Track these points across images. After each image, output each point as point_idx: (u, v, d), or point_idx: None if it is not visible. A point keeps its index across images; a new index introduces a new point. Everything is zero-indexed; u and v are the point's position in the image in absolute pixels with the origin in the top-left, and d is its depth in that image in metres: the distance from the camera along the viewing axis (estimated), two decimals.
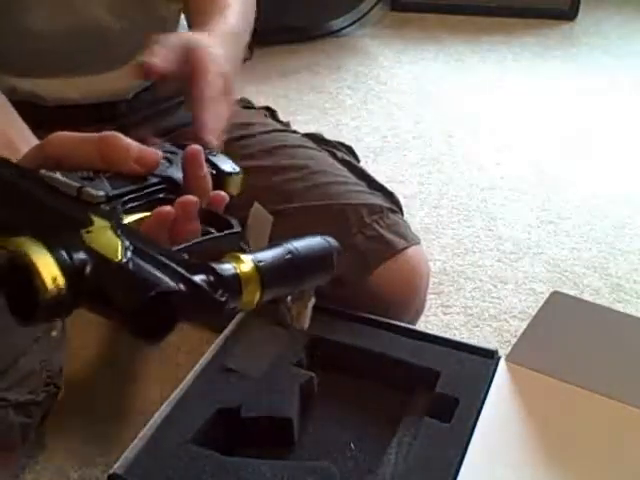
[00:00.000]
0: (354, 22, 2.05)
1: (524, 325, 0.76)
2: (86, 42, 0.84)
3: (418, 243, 0.87)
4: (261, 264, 0.47)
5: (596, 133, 1.57)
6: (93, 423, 0.86)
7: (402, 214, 0.90)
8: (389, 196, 0.91)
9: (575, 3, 2.14)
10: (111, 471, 0.63)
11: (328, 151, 0.95)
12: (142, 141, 0.53)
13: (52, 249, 0.39)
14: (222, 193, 0.56)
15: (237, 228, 0.54)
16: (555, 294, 0.72)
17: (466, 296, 1.09)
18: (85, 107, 0.87)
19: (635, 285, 1.11)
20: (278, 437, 0.69)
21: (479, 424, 0.68)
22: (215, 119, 0.63)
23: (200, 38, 0.68)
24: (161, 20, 0.89)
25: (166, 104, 0.96)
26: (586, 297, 1.07)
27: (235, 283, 0.45)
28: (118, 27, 0.85)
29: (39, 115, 0.84)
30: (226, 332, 0.77)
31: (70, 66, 0.85)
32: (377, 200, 0.87)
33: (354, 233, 0.82)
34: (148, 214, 0.48)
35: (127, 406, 0.90)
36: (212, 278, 0.44)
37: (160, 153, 0.52)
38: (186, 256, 0.47)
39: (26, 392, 0.67)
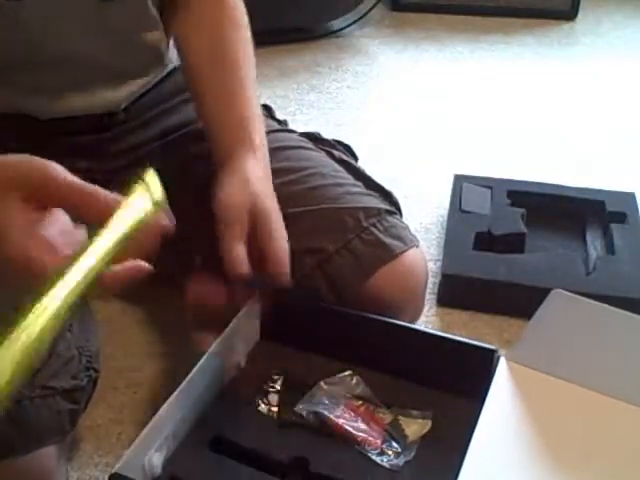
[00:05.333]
0: (354, 22, 2.05)
1: (524, 325, 0.75)
2: (75, 67, 0.82)
3: (416, 245, 0.86)
4: None
5: (596, 133, 1.57)
6: (93, 422, 0.86)
7: (401, 214, 0.90)
8: (387, 196, 0.91)
9: (575, 3, 2.14)
10: (111, 471, 0.63)
11: (325, 151, 0.94)
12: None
13: None
14: None
15: None
16: (556, 293, 0.72)
17: None
18: (81, 118, 0.86)
19: None
20: None
21: (479, 423, 0.67)
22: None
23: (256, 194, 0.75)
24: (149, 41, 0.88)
25: (162, 106, 0.95)
26: None
27: None
28: (107, 55, 0.83)
29: (36, 128, 0.84)
30: (225, 333, 0.77)
31: (59, 86, 0.84)
32: (374, 202, 0.87)
33: (351, 237, 0.82)
34: None
35: (127, 405, 0.90)
36: None
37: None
38: None
39: (69, 378, 0.67)
